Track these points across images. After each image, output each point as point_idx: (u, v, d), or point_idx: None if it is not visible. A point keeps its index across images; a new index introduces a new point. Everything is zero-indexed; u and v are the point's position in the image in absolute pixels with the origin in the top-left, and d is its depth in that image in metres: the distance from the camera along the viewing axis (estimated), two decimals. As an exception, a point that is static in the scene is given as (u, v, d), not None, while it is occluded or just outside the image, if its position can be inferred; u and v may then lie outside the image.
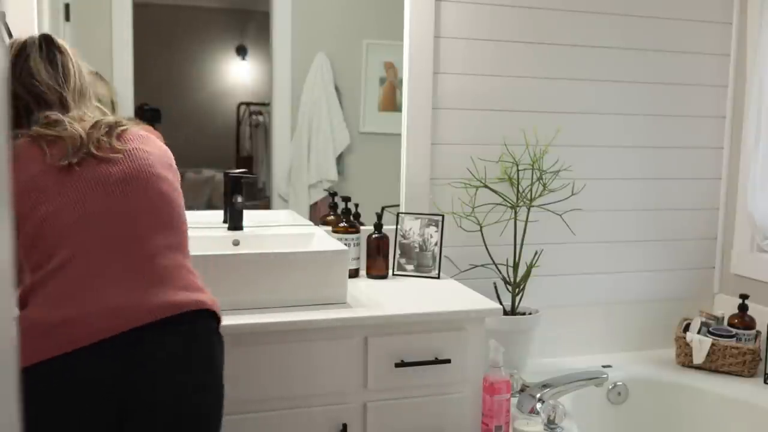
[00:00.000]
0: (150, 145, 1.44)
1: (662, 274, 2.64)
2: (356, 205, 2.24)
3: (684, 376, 2.39)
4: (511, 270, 2.34)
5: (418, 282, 2.13)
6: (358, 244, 2.17)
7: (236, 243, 2.01)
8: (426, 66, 2.29)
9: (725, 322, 2.47)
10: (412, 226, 2.24)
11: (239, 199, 2.07)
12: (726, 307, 2.56)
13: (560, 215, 2.40)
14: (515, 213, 2.32)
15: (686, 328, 2.48)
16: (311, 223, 2.26)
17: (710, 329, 2.44)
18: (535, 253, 2.36)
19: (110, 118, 1.44)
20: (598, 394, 2.31)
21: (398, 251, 2.23)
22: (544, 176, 2.33)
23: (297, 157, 2.32)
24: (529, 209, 2.31)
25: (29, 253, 1.28)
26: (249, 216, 2.12)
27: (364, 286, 2.05)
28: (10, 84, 1.41)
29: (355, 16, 2.35)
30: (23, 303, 1.27)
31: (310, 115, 2.31)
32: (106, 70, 2.06)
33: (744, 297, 2.44)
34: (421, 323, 1.79)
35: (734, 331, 2.41)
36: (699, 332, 2.44)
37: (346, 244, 2.03)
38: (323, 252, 1.80)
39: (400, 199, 2.32)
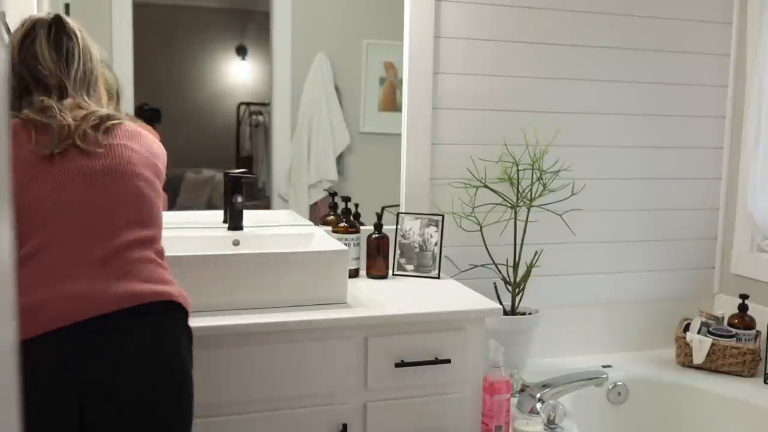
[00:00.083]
0: (138, 143, 1.45)
1: (662, 274, 2.64)
2: (356, 205, 2.24)
3: (684, 376, 2.39)
4: (511, 270, 2.34)
5: (418, 282, 2.13)
6: (358, 244, 2.17)
7: (236, 243, 2.01)
8: (426, 66, 2.29)
9: (725, 322, 2.47)
10: (412, 226, 2.24)
11: (239, 199, 2.07)
12: (726, 307, 2.56)
13: (560, 215, 2.41)
14: (515, 213, 2.32)
15: (686, 328, 2.48)
16: (311, 223, 2.26)
17: (710, 329, 2.44)
18: (535, 253, 2.36)
19: (103, 111, 1.44)
20: (598, 394, 2.31)
21: (398, 251, 2.23)
22: (544, 176, 2.33)
23: (297, 157, 2.32)
24: (529, 209, 2.31)
25: None
26: (249, 216, 2.12)
27: (364, 286, 2.05)
28: (15, 62, 1.43)
29: (355, 16, 2.35)
30: None
31: (310, 115, 2.31)
32: (106, 70, 2.06)
33: (744, 297, 2.44)
34: (421, 323, 1.79)
35: (734, 331, 2.41)
36: (699, 332, 2.44)
37: (346, 244, 2.03)
38: (323, 252, 1.80)
39: (400, 199, 2.32)
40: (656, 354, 2.57)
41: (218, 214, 2.17)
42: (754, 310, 2.43)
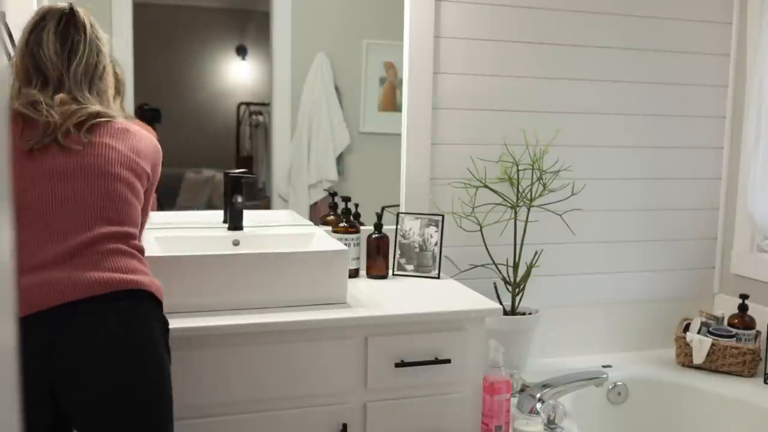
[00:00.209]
0: (123, 142, 1.45)
1: (662, 274, 2.64)
2: (356, 205, 2.24)
3: (684, 376, 2.39)
4: (511, 270, 2.34)
5: (418, 282, 2.13)
6: (358, 244, 2.17)
7: (236, 243, 2.01)
8: (426, 66, 2.29)
9: (725, 322, 2.47)
10: (412, 226, 2.24)
11: (239, 199, 2.07)
12: (726, 307, 2.56)
13: (560, 215, 2.40)
14: (515, 213, 2.32)
15: (686, 328, 2.48)
16: (311, 223, 2.26)
17: (710, 329, 2.44)
18: (535, 253, 2.36)
19: (94, 109, 1.44)
20: (598, 394, 2.31)
21: (398, 251, 2.23)
22: (544, 176, 2.33)
23: (297, 157, 2.32)
24: (529, 209, 2.31)
25: None
26: (249, 216, 2.12)
27: (364, 286, 2.05)
28: (22, 50, 1.46)
29: (355, 16, 2.35)
30: None
31: (310, 115, 2.31)
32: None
33: (744, 297, 2.44)
34: (421, 323, 1.79)
35: (734, 331, 2.41)
36: (699, 332, 2.44)
37: (346, 244, 2.03)
38: (323, 252, 1.80)
39: (400, 199, 2.32)
40: (656, 354, 2.57)
41: (218, 214, 2.17)
42: (754, 310, 2.43)
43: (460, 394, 1.84)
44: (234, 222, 2.07)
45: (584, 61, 2.47)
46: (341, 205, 2.22)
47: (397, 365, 1.75)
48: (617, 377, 2.35)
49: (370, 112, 2.36)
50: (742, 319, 2.42)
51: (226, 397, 1.64)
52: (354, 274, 2.14)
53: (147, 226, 1.65)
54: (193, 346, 1.61)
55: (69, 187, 1.37)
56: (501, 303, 2.15)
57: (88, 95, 1.47)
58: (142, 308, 1.36)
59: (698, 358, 2.39)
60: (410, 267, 2.22)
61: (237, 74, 2.31)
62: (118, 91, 1.58)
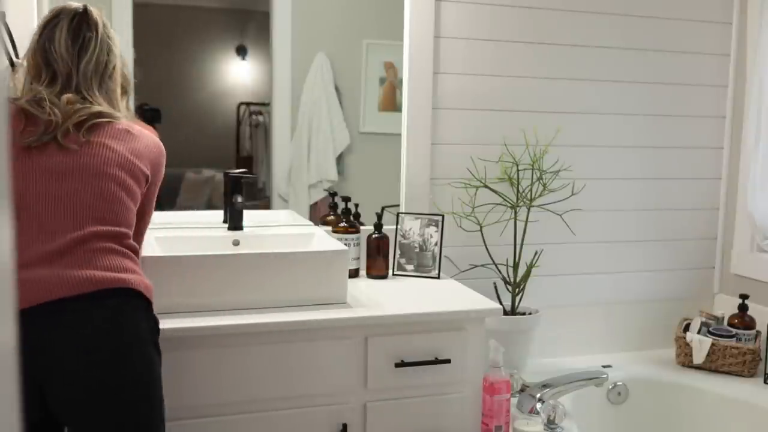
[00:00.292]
0: (122, 143, 1.46)
1: (662, 274, 2.64)
2: (356, 205, 2.24)
3: (684, 376, 2.39)
4: (511, 270, 2.34)
5: (418, 282, 2.13)
6: (358, 244, 2.17)
7: (236, 243, 2.01)
8: (426, 66, 2.29)
9: (725, 322, 2.47)
10: (412, 226, 2.24)
11: (239, 199, 2.07)
12: (726, 307, 2.56)
13: (560, 215, 2.40)
14: (515, 213, 2.32)
15: (686, 328, 2.48)
16: (311, 223, 2.26)
17: (710, 329, 2.44)
18: (535, 253, 2.36)
19: (97, 108, 1.45)
20: (598, 394, 2.31)
21: (398, 251, 2.23)
22: (544, 176, 2.33)
23: (297, 157, 2.32)
24: (529, 209, 2.31)
25: None
26: (249, 216, 2.12)
27: (364, 286, 2.05)
28: (33, 46, 1.48)
29: (355, 16, 2.35)
30: None
31: (310, 115, 2.31)
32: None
33: (744, 297, 2.44)
34: (421, 323, 1.79)
35: (734, 331, 2.41)
36: (699, 332, 2.44)
37: (346, 244, 2.03)
38: (323, 252, 1.80)
39: (400, 199, 2.32)
40: (656, 354, 2.57)
41: (218, 214, 2.17)
42: (754, 310, 2.43)
43: (460, 394, 1.84)
44: (234, 222, 2.07)
45: (584, 61, 2.47)
46: (341, 205, 2.22)
47: (397, 365, 1.75)
48: (617, 377, 2.35)
49: (370, 112, 2.36)
50: (742, 319, 2.42)
51: (225, 398, 1.64)
52: (354, 274, 2.14)
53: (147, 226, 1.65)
54: (193, 346, 1.61)
55: (64, 186, 1.38)
56: (501, 303, 2.15)
57: (96, 93, 1.48)
58: (130, 306, 1.36)
59: (698, 358, 2.39)
60: (410, 267, 2.22)
61: (237, 74, 2.31)
62: (125, 90, 1.59)
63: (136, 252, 1.45)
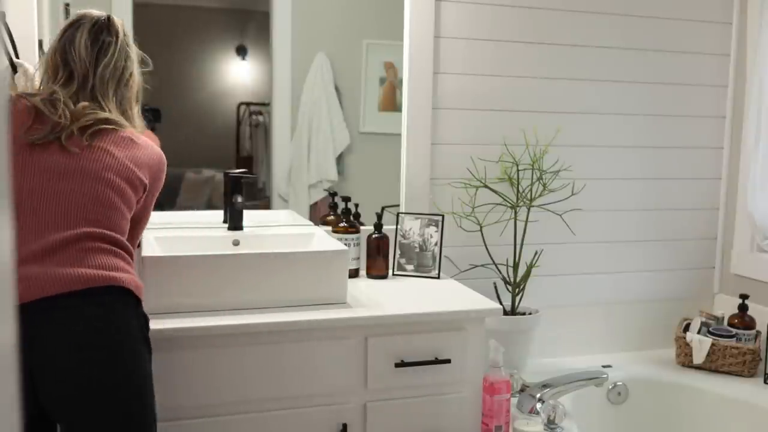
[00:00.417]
0: (124, 150, 1.48)
1: (662, 274, 2.64)
2: (356, 205, 2.24)
3: (684, 376, 2.39)
4: (511, 270, 2.34)
5: (418, 282, 2.13)
6: (358, 244, 2.17)
7: (236, 243, 2.01)
8: (426, 66, 2.29)
9: (725, 322, 2.47)
10: (412, 226, 2.24)
11: (239, 199, 2.07)
12: (726, 307, 2.56)
13: (560, 215, 2.40)
14: (515, 213, 2.32)
15: (686, 328, 2.48)
16: (311, 223, 2.26)
17: (710, 329, 2.44)
18: (535, 253, 2.36)
19: (103, 115, 1.47)
20: (598, 394, 2.31)
21: (398, 251, 2.23)
22: (544, 176, 2.33)
23: (297, 157, 2.32)
24: (529, 209, 2.31)
25: None
26: (249, 216, 2.12)
27: (364, 286, 2.05)
28: (54, 46, 1.52)
29: (355, 16, 2.35)
30: None
31: (310, 115, 2.31)
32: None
33: (744, 297, 2.44)
34: (421, 323, 1.79)
35: (734, 331, 2.41)
36: (699, 332, 2.44)
37: (346, 244, 2.03)
38: (323, 252, 1.80)
39: (400, 199, 2.32)
40: (656, 354, 2.57)
41: (218, 214, 2.17)
42: (754, 310, 2.43)
43: (460, 394, 1.84)
44: (234, 222, 2.07)
45: (584, 61, 2.47)
46: (341, 205, 2.22)
47: (397, 365, 1.75)
48: (617, 377, 2.35)
49: (370, 112, 2.36)
50: (742, 319, 2.42)
51: (224, 398, 1.64)
52: (354, 274, 2.14)
53: (147, 226, 1.65)
54: (194, 346, 1.61)
55: (60, 186, 1.39)
56: (501, 303, 2.15)
57: (110, 99, 1.51)
58: (121, 304, 1.37)
59: (698, 358, 2.39)
60: (410, 267, 2.22)
61: (237, 74, 2.31)
62: (138, 98, 1.61)
63: (129, 253, 1.46)
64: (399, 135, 2.32)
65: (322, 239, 2.00)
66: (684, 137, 2.62)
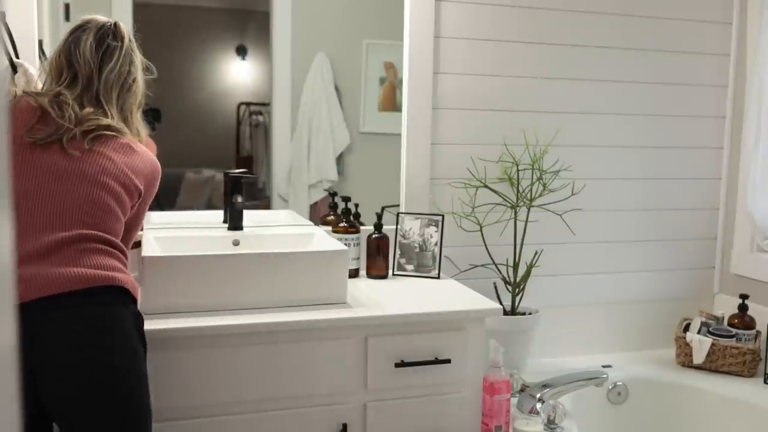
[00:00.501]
0: (122, 156, 1.49)
1: (662, 274, 2.64)
2: (356, 205, 2.24)
3: (684, 376, 2.39)
4: (511, 270, 2.34)
5: (418, 282, 2.13)
6: (358, 244, 2.17)
7: (236, 243, 2.01)
8: (426, 66, 2.28)
9: (725, 322, 2.47)
10: (412, 226, 2.24)
11: (239, 199, 2.07)
12: (726, 307, 2.56)
13: (560, 215, 2.40)
14: (515, 213, 2.32)
15: (686, 328, 2.48)
16: (311, 223, 2.26)
17: (710, 329, 2.44)
18: (535, 253, 2.36)
19: (106, 122, 1.49)
20: (598, 394, 2.31)
21: (398, 251, 2.23)
22: (544, 176, 2.33)
23: (297, 157, 2.32)
24: (529, 209, 2.31)
25: None
26: (249, 216, 2.12)
27: (364, 286, 2.05)
28: (59, 47, 1.54)
29: (355, 16, 2.35)
30: None
31: (310, 115, 2.31)
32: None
33: (744, 297, 2.44)
34: (421, 323, 1.79)
35: (734, 331, 2.41)
36: (699, 332, 2.44)
37: (346, 244, 2.03)
38: (323, 252, 1.80)
39: (400, 199, 2.32)
40: (656, 354, 2.57)
41: (218, 214, 2.17)
42: (754, 310, 2.43)
43: (460, 394, 1.84)
44: (234, 222, 2.07)
45: (584, 61, 2.47)
46: (341, 205, 2.22)
47: (397, 365, 1.75)
48: (617, 377, 2.35)
49: (370, 112, 2.36)
50: (742, 319, 2.42)
51: (224, 397, 1.64)
52: (354, 274, 2.14)
53: (147, 226, 1.66)
54: (193, 346, 1.61)
55: (57, 186, 1.40)
56: (501, 303, 2.15)
57: (113, 105, 1.52)
58: (119, 303, 1.38)
59: (698, 358, 2.39)
60: (410, 267, 2.22)
61: (237, 74, 2.31)
62: (140, 104, 1.62)
63: (125, 254, 1.47)
64: (399, 135, 2.32)
65: (322, 239, 2.00)
66: (684, 137, 2.62)
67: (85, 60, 1.51)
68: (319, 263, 1.78)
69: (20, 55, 1.78)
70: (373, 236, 2.18)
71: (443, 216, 2.23)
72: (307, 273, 1.76)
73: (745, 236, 2.58)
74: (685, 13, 2.56)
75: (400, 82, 2.32)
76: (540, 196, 2.32)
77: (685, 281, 2.67)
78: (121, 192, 1.47)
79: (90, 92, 1.50)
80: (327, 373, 1.71)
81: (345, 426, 1.72)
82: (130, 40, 1.59)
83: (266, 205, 2.30)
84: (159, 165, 1.59)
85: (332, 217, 2.27)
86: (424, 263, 2.20)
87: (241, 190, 2.08)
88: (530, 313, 2.31)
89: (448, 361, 1.79)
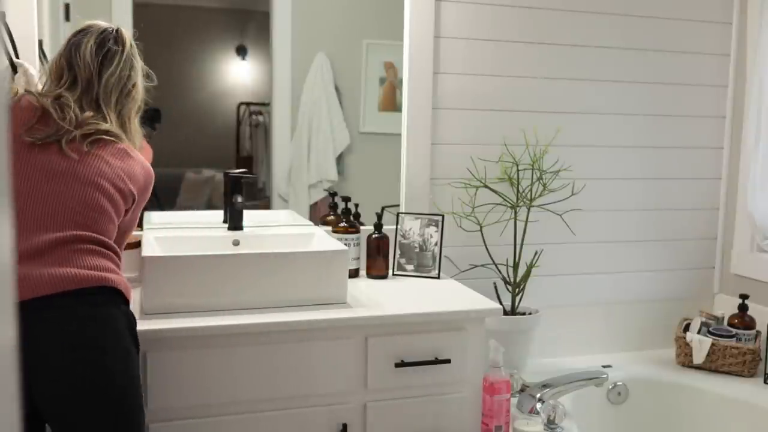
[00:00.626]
0: (119, 161, 1.50)
1: (662, 274, 2.64)
2: (356, 205, 2.24)
3: (684, 376, 2.39)
4: (511, 270, 2.34)
5: (418, 282, 2.13)
6: (358, 244, 2.17)
7: (236, 243, 2.01)
8: (426, 66, 2.28)
9: (725, 322, 2.47)
10: (412, 226, 2.24)
11: (239, 199, 2.07)
12: (726, 307, 2.56)
13: (560, 215, 2.40)
14: (515, 213, 2.32)
15: (686, 328, 2.48)
16: (311, 223, 2.26)
17: (710, 329, 2.44)
18: (535, 253, 2.36)
19: (105, 127, 1.50)
20: (598, 394, 2.31)
21: (398, 251, 2.23)
22: (544, 176, 2.33)
23: (297, 157, 2.32)
24: (529, 209, 2.31)
25: None
26: (249, 216, 2.12)
27: (364, 286, 2.05)
28: (61, 50, 1.55)
29: (355, 16, 2.35)
30: None
31: (310, 115, 2.31)
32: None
33: (744, 297, 2.44)
34: (421, 323, 1.79)
35: (734, 331, 2.41)
36: (699, 332, 2.44)
37: (346, 244, 2.03)
38: (323, 252, 1.80)
39: (400, 199, 2.32)
40: (656, 354, 2.57)
41: (218, 214, 2.17)
42: (754, 310, 2.43)
43: (460, 394, 1.84)
44: (234, 222, 2.07)
45: (584, 61, 2.47)
46: (341, 205, 2.22)
47: (397, 365, 1.75)
48: (617, 377, 2.35)
49: (370, 112, 2.36)
50: (742, 319, 2.42)
51: (224, 397, 1.64)
52: (354, 274, 2.14)
53: (147, 226, 1.66)
54: (193, 346, 1.61)
55: (52, 187, 1.41)
56: (501, 303, 2.15)
57: (112, 109, 1.53)
58: (112, 304, 1.38)
59: (698, 358, 2.39)
60: (410, 267, 2.22)
61: (237, 74, 2.31)
62: (138, 110, 1.63)
63: (118, 255, 1.48)
64: (399, 135, 2.32)
65: (322, 239, 2.00)
66: (684, 137, 2.62)
67: (85, 63, 1.51)
68: (319, 263, 1.78)
69: (20, 55, 1.78)
70: (373, 236, 2.18)
71: (443, 216, 2.23)
72: (307, 273, 1.76)
73: (745, 236, 2.58)
74: (685, 13, 2.56)
75: (400, 82, 2.32)
76: (540, 196, 2.32)
77: (685, 281, 2.67)
78: (115, 194, 1.47)
79: (89, 95, 1.51)
80: (327, 373, 1.71)
81: (345, 426, 1.72)
82: (131, 46, 1.60)
83: (266, 205, 2.30)
84: (152, 172, 1.60)
85: (332, 217, 2.27)
86: (424, 263, 2.20)
87: (241, 190, 2.08)
88: (530, 313, 2.31)
89: (448, 361, 1.79)
